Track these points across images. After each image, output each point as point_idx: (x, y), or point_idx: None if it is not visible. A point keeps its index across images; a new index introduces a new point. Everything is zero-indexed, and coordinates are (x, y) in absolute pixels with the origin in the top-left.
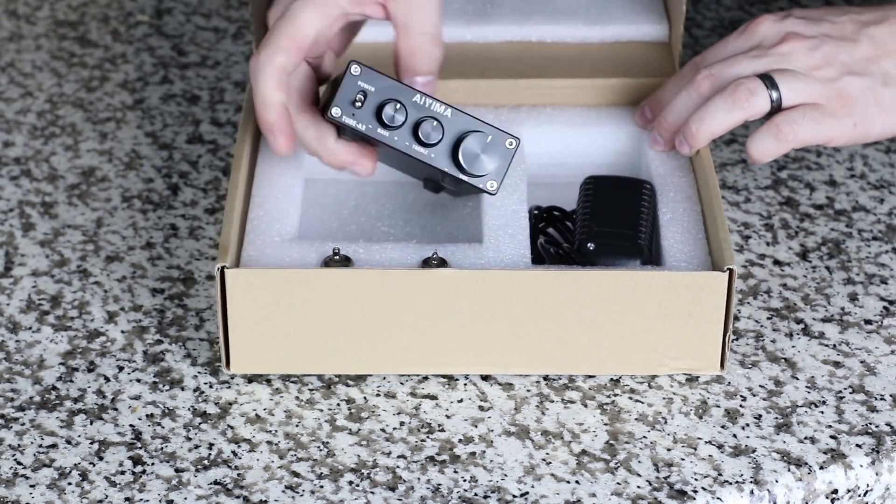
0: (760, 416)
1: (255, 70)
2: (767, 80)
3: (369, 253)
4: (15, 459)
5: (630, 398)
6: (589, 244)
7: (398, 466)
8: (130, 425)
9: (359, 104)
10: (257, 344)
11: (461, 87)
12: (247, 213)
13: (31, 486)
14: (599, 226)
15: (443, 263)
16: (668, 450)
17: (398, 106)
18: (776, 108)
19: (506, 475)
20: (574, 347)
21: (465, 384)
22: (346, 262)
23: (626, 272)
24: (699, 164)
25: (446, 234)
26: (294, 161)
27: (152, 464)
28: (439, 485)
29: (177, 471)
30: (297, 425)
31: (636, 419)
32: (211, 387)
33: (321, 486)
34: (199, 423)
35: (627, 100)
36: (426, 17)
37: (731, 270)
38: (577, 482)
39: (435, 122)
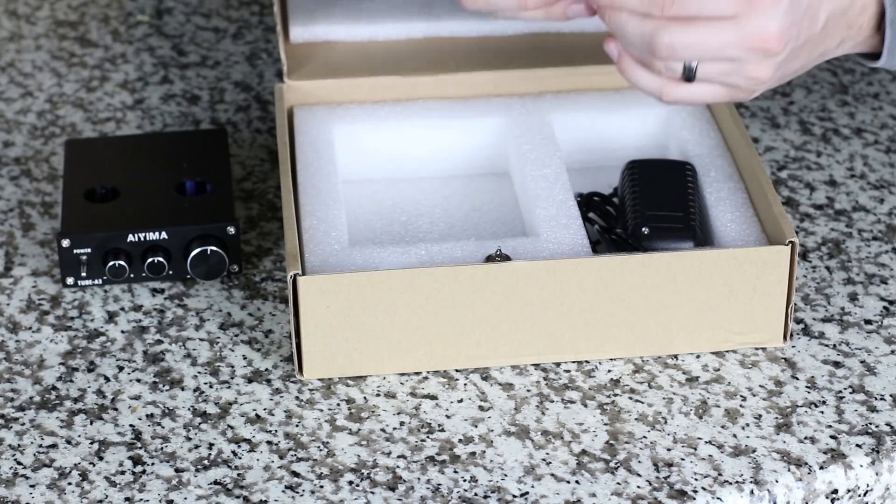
0: (760, 416)
1: None
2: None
3: (431, 254)
4: (15, 459)
5: (630, 398)
6: (644, 228)
7: (398, 466)
8: (130, 425)
9: (84, 269)
10: (330, 348)
11: (485, 79)
12: (299, 221)
13: (31, 486)
14: (651, 209)
15: (507, 259)
16: (668, 450)
17: (118, 255)
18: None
19: (506, 475)
20: (643, 330)
21: (465, 384)
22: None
23: (692, 253)
24: (735, 144)
25: (490, 228)
26: (329, 166)
27: (152, 464)
28: (439, 485)
29: (177, 471)
30: (297, 425)
31: (636, 419)
32: (211, 387)
33: (321, 486)
34: (199, 423)
35: None
36: None
37: (792, 244)
38: (577, 482)
39: (159, 253)
